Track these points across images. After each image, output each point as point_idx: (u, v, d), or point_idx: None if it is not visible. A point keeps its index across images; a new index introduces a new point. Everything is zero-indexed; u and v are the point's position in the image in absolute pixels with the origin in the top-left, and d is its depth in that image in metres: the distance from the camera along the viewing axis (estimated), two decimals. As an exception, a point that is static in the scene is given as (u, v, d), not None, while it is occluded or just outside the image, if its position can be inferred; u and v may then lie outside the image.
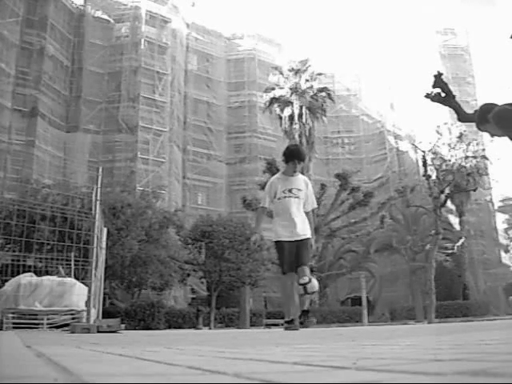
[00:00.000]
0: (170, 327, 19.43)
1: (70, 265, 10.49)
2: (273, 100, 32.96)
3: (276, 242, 5.73)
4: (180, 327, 20.35)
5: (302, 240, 5.68)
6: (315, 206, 6.09)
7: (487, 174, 33.53)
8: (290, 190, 5.66)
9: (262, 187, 16.73)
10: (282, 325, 5.96)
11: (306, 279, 5.37)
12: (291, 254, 5.63)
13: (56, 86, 31.43)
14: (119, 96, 33.45)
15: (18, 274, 9.98)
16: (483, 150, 32.41)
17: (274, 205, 5.78)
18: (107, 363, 1.35)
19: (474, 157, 32.31)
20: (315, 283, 5.47)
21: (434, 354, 1.30)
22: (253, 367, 1.15)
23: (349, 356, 1.42)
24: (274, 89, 33.13)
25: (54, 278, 9.89)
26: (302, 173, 6.44)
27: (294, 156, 5.75)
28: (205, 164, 38.07)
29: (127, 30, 35.23)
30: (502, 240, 34.86)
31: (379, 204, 25.41)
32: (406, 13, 38.61)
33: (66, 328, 7.61)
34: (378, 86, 40.44)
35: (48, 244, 12.90)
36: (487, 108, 4.35)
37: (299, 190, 5.71)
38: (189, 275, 22.28)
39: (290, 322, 5.50)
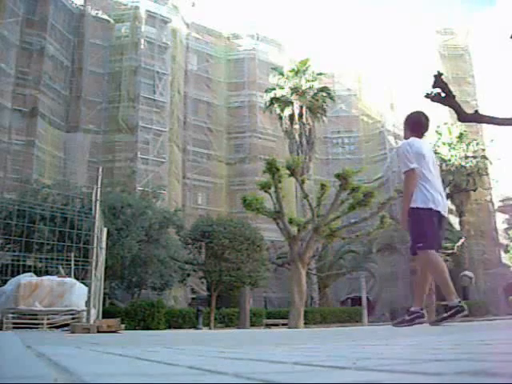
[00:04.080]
0: (170, 327, 19.41)
1: (70, 265, 10.49)
2: (273, 100, 32.97)
3: (422, 209, 4.72)
4: (180, 327, 20.33)
5: (444, 217, 4.95)
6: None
7: (487, 174, 33.53)
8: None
9: (262, 187, 16.63)
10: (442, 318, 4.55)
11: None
12: (438, 227, 4.80)
13: (56, 86, 31.39)
14: (119, 96, 33.42)
15: (18, 273, 9.98)
16: (483, 150, 32.44)
17: (419, 168, 4.79)
18: (107, 363, 1.35)
19: (474, 157, 32.32)
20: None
21: (433, 354, 1.30)
22: (253, 367, 1.15)
23: (349, 356, 1.42)
24: (274, 89, 33.14)
25: (54, 277, 9.88)
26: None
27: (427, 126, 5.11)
28: (205, 164, 38.04)
29: (127, 30, 35.20)
30: (502, 240, 34.82)
31: (379, 204, 25.32)
32: (406, 13, 38.63)
33: (66, 328, 7.61)
34: (378, 86, 40.42)
35: (48, 244, 12.90)
36: None
37: None
38: (189, 275, 22.26)
39: (457, 306, 4.52)
